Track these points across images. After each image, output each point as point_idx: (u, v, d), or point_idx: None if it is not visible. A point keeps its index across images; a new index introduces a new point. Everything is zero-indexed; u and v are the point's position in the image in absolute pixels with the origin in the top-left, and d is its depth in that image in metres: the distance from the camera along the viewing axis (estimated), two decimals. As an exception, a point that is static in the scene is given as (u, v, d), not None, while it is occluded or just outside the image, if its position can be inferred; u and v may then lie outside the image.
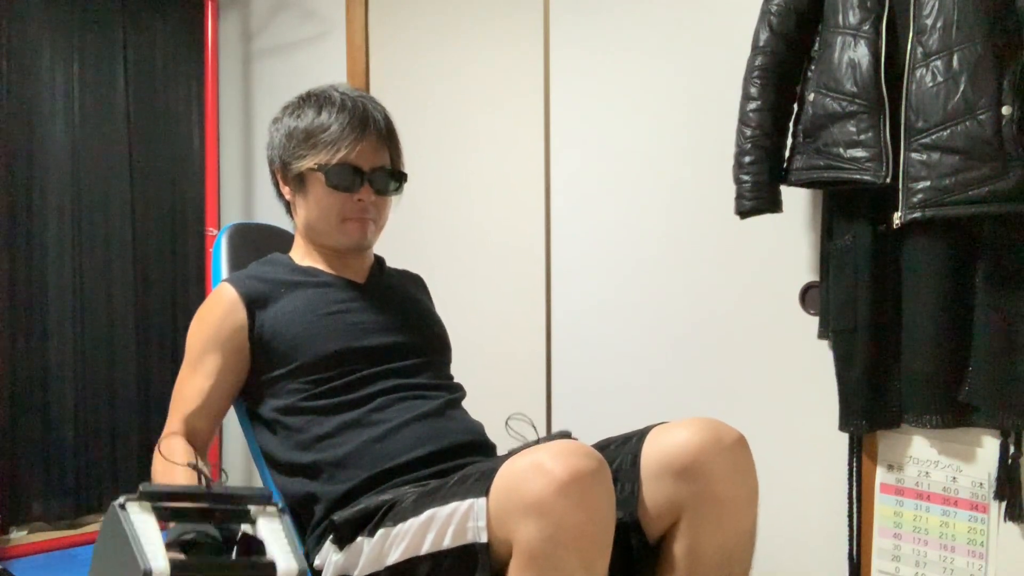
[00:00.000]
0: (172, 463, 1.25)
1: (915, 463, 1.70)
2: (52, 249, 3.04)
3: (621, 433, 1.26)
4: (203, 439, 1.41)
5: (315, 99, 1.46)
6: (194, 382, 1.40)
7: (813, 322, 1.81)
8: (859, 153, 1.56)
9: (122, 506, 0.94)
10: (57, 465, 3.05)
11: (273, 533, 0.99)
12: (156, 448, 1.37)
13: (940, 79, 1.48)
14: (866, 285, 1.62)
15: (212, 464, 3.04)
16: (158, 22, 3.29)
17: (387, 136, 1.47)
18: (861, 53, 1.56)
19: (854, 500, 1.77)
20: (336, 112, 1.42)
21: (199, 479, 1.03)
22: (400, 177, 1.49)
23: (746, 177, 1.70)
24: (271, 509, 1.01)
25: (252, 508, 1.01)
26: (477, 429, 1.44)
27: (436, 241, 2.63)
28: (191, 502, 0.99)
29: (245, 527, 1.01)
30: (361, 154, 1.42)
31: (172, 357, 3.27)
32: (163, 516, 0.96)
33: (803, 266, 1.85)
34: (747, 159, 1.69)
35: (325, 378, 1.37)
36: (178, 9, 3.32)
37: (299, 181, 1.45)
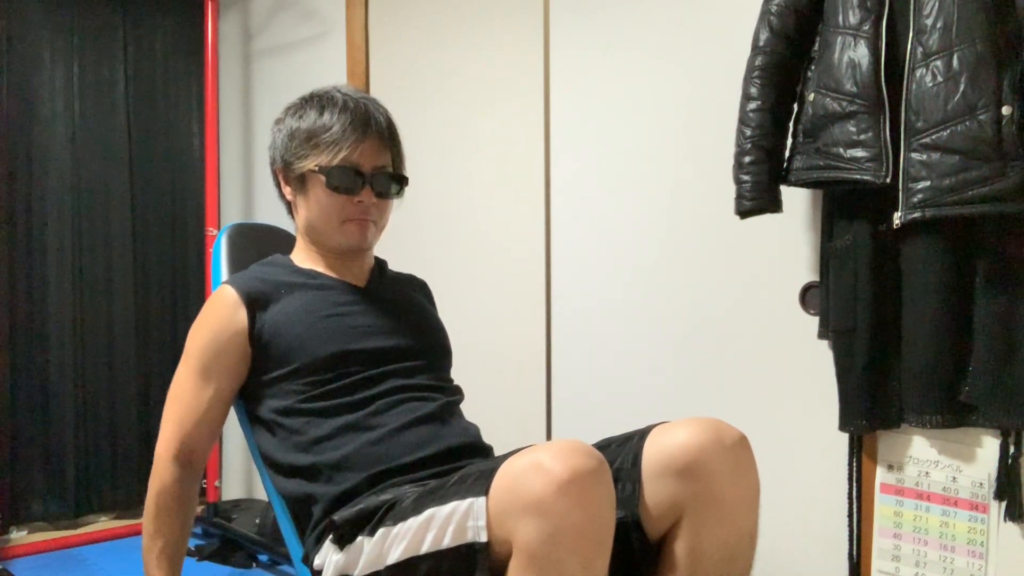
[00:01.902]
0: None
1: (915, 463, 1.70)
2: (52, 249, 3.04)
3: (622, 433, 1.26)
4: (201, 455, 1.42)
5: (317, 100, 1.45)
6: (197, 390, 1.39)
7: (813, 322, 1.81)
8: (859, 153, 1.56)
9: None
10: (57, 465, 3.05)
11: None
12: (155, 467, 1.39)
13: (940, 79, 1.48)
14: (866, 285, 1.62)
15: (211, 467, 3.05)
16: (158, 22, 3.29)
17: (389, 138, 1.47)
18: (861, 53, 1.56)
19: (854, 500, 1.77)
20: (338, 113, 1.42)
21: None
22: (401, 180, 1.49)
23: (746, 177, 1.70)
24: None
25: None
26: (473, 432, 1.44)
27: (436, 242, 2.63)
28: None
29: None
30: (362, 155, 1.42)
31: (172, 357, 3.24)
32: None
33: (803, 266, 1.85)
34: (747, 159, 1.69)
35: (323, 380, 1.37)
36: (178, 9, 3.32)
37: (300, 181, 1.45)
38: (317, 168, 1.41)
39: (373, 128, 1.43)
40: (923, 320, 1.57)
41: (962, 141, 1.45)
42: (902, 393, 1.63)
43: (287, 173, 1.47)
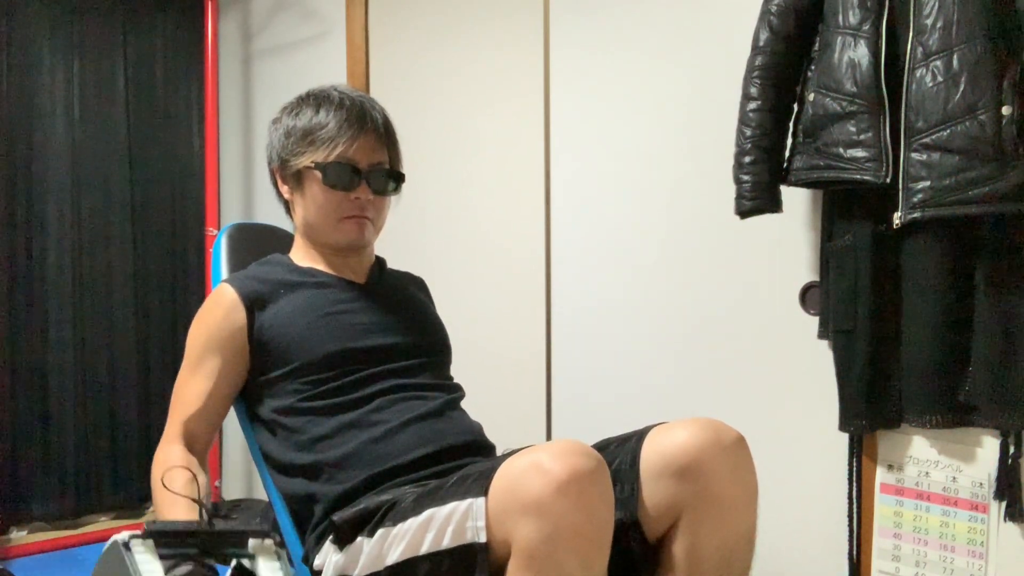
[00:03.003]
0: (174, 493, 1.23)
1: (915, 463, 1.69)
2: (52, 249, 3.04)
3: (620, 433, 1.26)
4: (202, 444, 1.41)
5: (314, 98, 1.46)
6: (194, 385, 1.40)
7: (813, 322, 1.81)
8: (859, 153, 1.56)
9: (126, 545, 0.94)
10: (57, 465, 3.05)
11: (271, 572, 1.00)
12: (155, 456, 1.37)
13: (940, 79, 1.48)
14: (866, 285, 1.62)
15: (211, 468, 3.05)
16: (158, 22, 3.29)
17: (385, 135, 1.47)
18: (861, 53, 1.55)
19: (854, 500, 1.77)
20: (334, 110, 1.42)
21: (200, 513, 1.03)
22: (398, 177, 1.49)
23: (746, 177, 1.70)
24: (268, 543, 1.02)
25: (252, 543, 1.02)
26: (476, 429, 1.44)
27: (436, 242, 2.63)
28: (194, 539, 1.00)
29: (244, 562, 1.03)
30: (358, 151, 1.42)
31: (172, 357, 3.27)
32: (163, 550, 0.97)
33: (803, 266, 1.85)
34: (747, 159, 1.69)
35: (324, 378, 1.37)
36: (178, 9, 3.32)
37: (297, 179, 1.46)
38: (313, 165, 1.41)
39: (369, 125, 1.43)
40: (923, 320, 1.57)
41: (962, 141, 1.45)
42: (902, 393, 1.63)
43: (284, 171, 1.47)
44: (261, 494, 3.20)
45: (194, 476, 1.28)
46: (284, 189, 1.50)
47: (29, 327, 3.00)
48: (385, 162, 1.47)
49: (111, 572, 0.96)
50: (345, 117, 1.41)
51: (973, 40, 1.45)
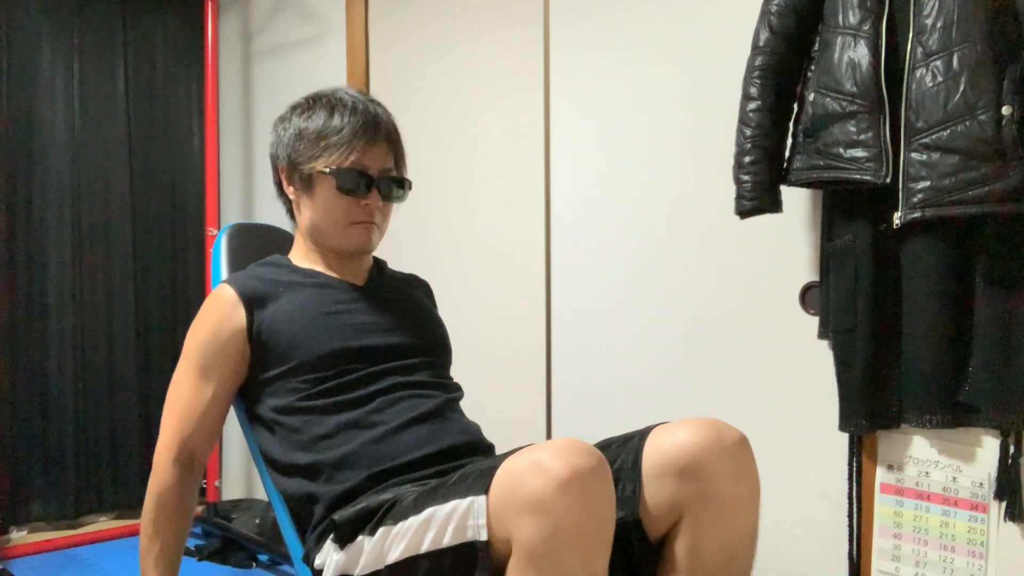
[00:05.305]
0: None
1: (915, 463, 1.70)
2: (52, 249, 3.05)
3: (622, 433, 1.26)
4: (202, 455, 1.42)
5: (326, 100, 1.45)
6: (194, 389, 1.39)
7: (813, 322, 1.81)
8: (859, 153, 1.56)
9: None
10: (57, 465, 3.05)
11: None
12: (154, 473, 1.39)
13: (940, 79, 1.48)
14: (866, 285, 1.62)
15: (211, 467, 3.05)
16: (158, 22, 3.29)
17: (395, 142, 1.48)
18: (861, 53, 1.56)
19: (854, 500, 1.77)
20: (348, 115, 1.42)
21: None
22: (405, 184, 1.49)
23: (746, 177, 1.70)
24: None
25: None
26: (474, 430, 1.44)
27: (436, 242, 2.63)
28: None
29: None
30: (371, 158, 1.42)
31: (172, 357, 3.23)
32: None
33: (803, 266, 1.85)
34: (747, 159, 1.69)
35: (323, 377, 1.37)
36: (178, 9, 3.32)
37: (307, 182, 1.45)
38: (327, 170, 1.41)
39: (382, 132, 1.44)
40: (923, 320, 1.57)
41: (962, 141, 1.45)
42: (902, 393, 1.63)
43: (292, 173, 1.47)
44: (261, 494, 3.20)
45: (184, 525, 1.39)
46: (290, 190, 1.49)
47: (29, 327, 3.00)
48: (393, 169, 1.47)
49: None
50: (360, 123, 1.41)
51: (973, 40, 1.45)
